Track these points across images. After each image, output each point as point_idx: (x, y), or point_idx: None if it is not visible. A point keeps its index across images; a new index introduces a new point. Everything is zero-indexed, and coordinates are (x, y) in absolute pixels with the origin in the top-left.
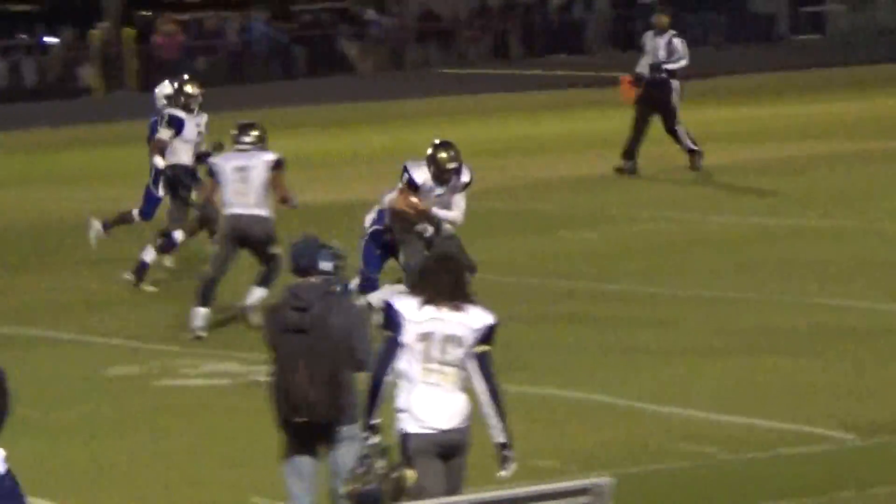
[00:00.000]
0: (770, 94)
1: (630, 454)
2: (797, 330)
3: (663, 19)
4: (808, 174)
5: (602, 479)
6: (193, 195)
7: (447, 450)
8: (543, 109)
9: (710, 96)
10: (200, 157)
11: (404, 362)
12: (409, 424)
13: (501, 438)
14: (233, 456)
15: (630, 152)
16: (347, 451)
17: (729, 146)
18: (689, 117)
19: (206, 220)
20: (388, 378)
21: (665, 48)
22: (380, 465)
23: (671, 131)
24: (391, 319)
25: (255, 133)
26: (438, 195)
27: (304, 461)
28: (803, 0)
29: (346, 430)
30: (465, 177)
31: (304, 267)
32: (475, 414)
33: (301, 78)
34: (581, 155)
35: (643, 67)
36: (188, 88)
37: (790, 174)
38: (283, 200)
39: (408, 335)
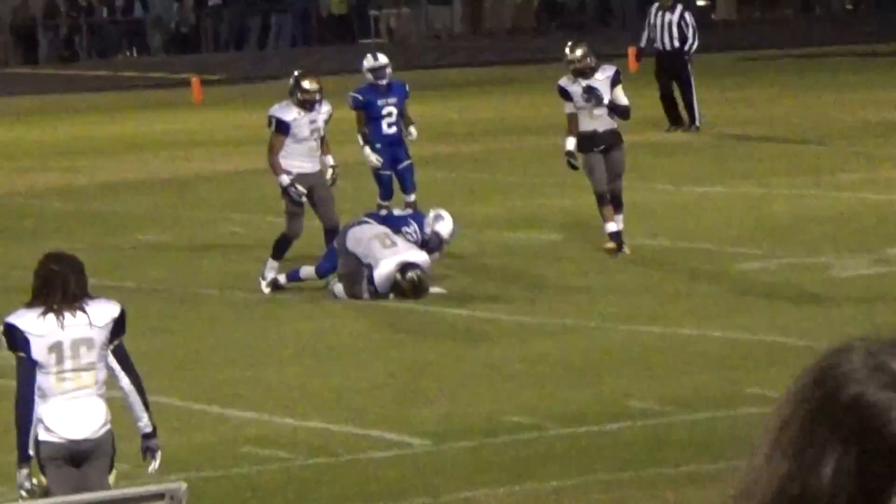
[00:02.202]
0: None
1: (201, 458)
2: (357, 334)
3: None
4: None
5: (176, 484)
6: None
7: (77, 458)
8: (109, 110)
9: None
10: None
11: (38, 376)
12: (41, 432)
13: (148, 429)
14: None
15: (675, 118)
16: None
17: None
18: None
19: None
20: (34, 399)
21: (678, 24)
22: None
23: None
24: (16, 340)
25: None
26: None
27: None
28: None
29: None
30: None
31: None
32: None
33: None
34: (146, 156)
35: (648, 42)
36: None
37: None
38: None
39: (36, 351)
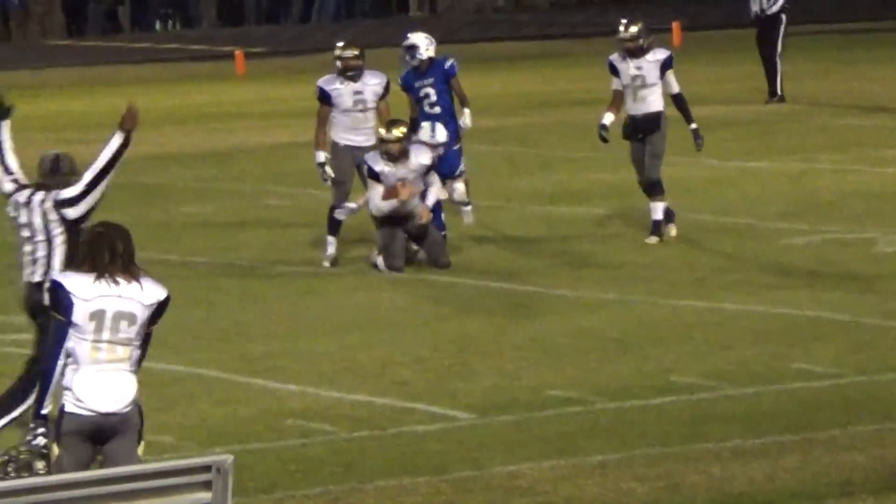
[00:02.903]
0: None
1: (246, 431)
2: (400, 307)
3: None
4: None
5: (223, 456)
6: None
7: (104, 432)
8: (152, 82)
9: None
10: None
11: (73, 341)
12: (69, 402)
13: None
14: None
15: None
16: None
17: None
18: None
19: None
20: (60, 362)
21: None
22: (38, 465)
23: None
24: (60, 300)
25: None
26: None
27: None
28: None
29: None
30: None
31: None
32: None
33: None
34: (189, 129)
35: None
36: None
37: None
38: None
39: (78, 314)
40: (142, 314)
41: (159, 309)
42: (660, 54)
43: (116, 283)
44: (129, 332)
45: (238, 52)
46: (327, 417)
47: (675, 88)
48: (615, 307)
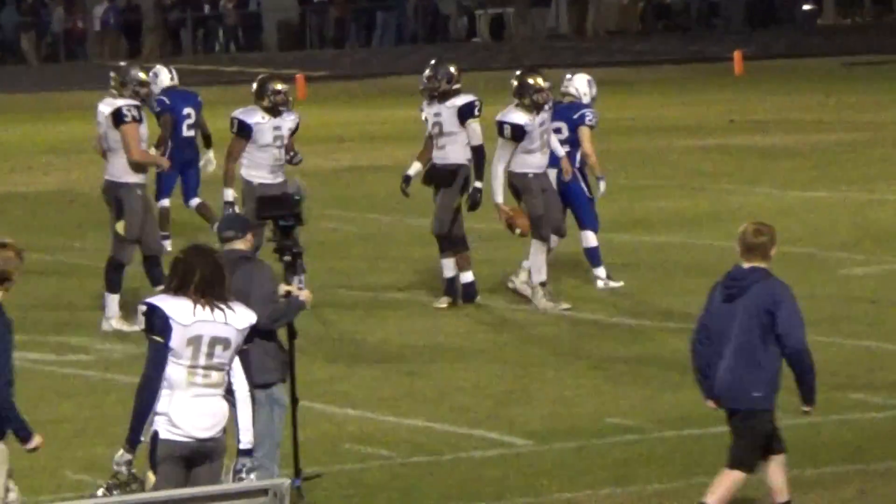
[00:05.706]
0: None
1: (303, 455)
2: (461, 333)
3: None
4: None
5: (280, 480)
6: None
7: (199, 457)
8: (213, 105)
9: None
10: None
11: (168, 365)
12: (163, 429)
13: (249, 446)
14: None
15: None
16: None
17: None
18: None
19: None
20: (159, 386)
21: None
22: (133, 488)
23: None
24: (158, 324)
25: None
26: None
27: None
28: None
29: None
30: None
31: (225, 237)
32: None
33: None
34: None
35: None
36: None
37: None
38: None
39: (175, 339)
40: (236, 339)
41: (251, 332)
42: (459, 101)
43: (212, 307)
44: (224, 356)
45: (299, 76)
46: (385, 442)
47: (476, 140)
48: (676, 336)
